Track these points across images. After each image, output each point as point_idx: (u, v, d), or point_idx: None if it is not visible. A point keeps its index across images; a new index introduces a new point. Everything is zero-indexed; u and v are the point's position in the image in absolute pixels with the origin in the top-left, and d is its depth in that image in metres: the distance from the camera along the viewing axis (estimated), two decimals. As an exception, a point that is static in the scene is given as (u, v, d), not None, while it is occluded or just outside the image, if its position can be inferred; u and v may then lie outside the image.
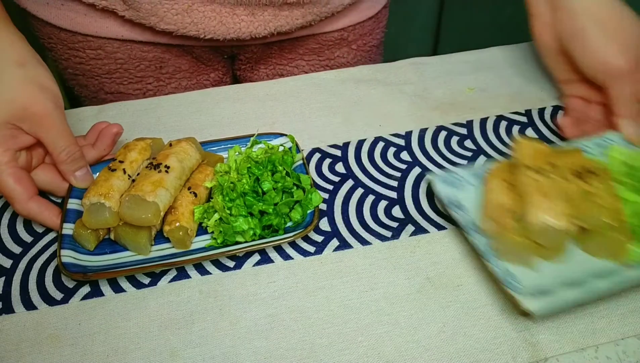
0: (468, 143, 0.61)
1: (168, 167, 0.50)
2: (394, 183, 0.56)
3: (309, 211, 0.51)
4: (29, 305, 0.47)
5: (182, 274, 0.49)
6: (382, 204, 0.54)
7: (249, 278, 0.49)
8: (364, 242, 0.51)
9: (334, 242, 0.51)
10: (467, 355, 0.43)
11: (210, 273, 0.49)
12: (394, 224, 0.53)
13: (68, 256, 0.47)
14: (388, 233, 0.52)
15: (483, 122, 0.63)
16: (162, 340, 0.45)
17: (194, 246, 0.50)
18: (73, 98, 0.82)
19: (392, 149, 0.60)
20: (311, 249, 0.51)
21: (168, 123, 0.63)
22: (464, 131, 0.62)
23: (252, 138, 0.57)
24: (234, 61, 0.80)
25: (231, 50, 0.76)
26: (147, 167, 0.51)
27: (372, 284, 0.48)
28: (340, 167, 0.58)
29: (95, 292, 0.48)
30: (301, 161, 0.55)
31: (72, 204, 0.51)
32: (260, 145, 0.56)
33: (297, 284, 0.48)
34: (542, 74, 0.69)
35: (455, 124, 0.63)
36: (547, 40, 0.61)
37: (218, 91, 0.68)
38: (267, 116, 0.64)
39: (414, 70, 0.70)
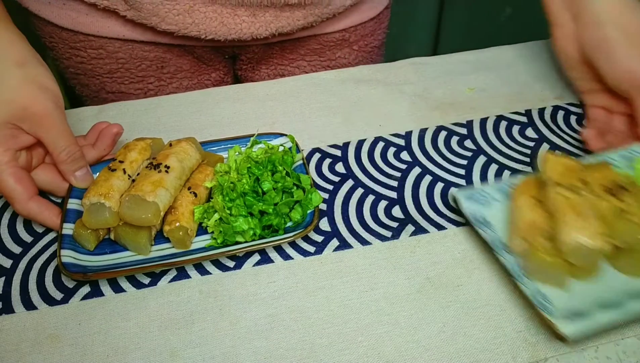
0: (468, 143, 0.61)
1: (168, 167, 0.50)
2: (394, 183, 0.56)
3: (309, 211, 0.51)
4: (29, 305, 0.47)
5: (182, 274, 0.49)
6: (382, 204, 0.54)
7: (249, 278, 0.49)
8: (364, 242, 0.51)
9: (334, 242, 0.51)
10: (467, 355, 0.43)
11: (210, 273, 0.49)
12: (394, 225, 0.53)
13: (68, 256, 0.47)
14: (388, 233, 0.52)
15: (483, 122, 0.63)
16: (162, 340, 0.45)
17: (194, 246, 0.50)
18: (74, 98, 0.82)
19: (392, 149, 0.60)
20: (311, 249, 0.51)
21: (168, 123, 0.63)
22: (464, 131, 0.62)
23: (252, 138, 0.57)
24: (235, 61, 0.80)
25: (232, 50, 0.76)
26: (147, 167, 0.51)
27: (372, 284, 0.48)
28: (340, 167, 0.58)
29: (95, 292, 0.48)
30: (301, 161, 0.55)
31: (72, 204, 0.51)
32: (260, 145, 0.56)
33: (297, 284, 0.48)
34: (542, 74, 0.69)
35: (455, 124, 0.63)
36: (569, 50, 0.59)
37: (218, 91, 0.68)
38: (267, 116, 0.64)
39: (414, 70, 0.70)
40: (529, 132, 0.62)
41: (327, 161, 0.59)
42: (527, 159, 0.59)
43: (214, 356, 0.44)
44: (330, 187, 0.56)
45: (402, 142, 0.61)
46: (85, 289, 0.48)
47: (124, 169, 0.50)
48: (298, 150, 0.56)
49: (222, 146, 0.57)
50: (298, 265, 0.50)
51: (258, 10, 0.65)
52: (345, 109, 0.65)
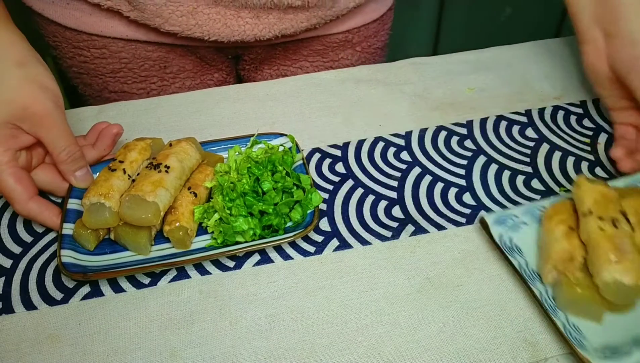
0: (468, 143, 0.61)
1: (168, 167, 0.50)
2: (394, 183, 0.56)
3: (309, 211, 0.51)
4: (29, 305, 0.47)
5: (182, 274, 0.49)
6: (382, 204, 0.54)
7: (249, 278, 0.49)
8: (364, 242, 0.51)
9: (334, 242, 0.51)
10: (467, 355, 0.43)
11: (210, 273, 0.49)
12: (394, 225, 0.53)
13: (68, 256, 0.47)
14: (388, 233, 0.52)
15: (483, 122, 0.63)
16: (162, 340, 0.45)
17: (194, 246, 0.50)
18: (75, 97, 0.82)
19: (392, 149, 0.60)
20: (311, 249, 0.51)
21: (168, 123, 0.63)
22: (464, 131, 0.62)
23: (252, 138, 0.57)
24: (238, 61, 0.80)
25: (235, 51, 0.76)
26: (147, 167, 0.51)
27: (372, 284, 0.48)
28: (340, 167, 0.58)
29: (95, 292, 0.48)
30: (301, 161, 0.55)
31: (72, 204, 0.51)
32: (260, 145, 0.56)
33: (297, 284, 0.48)
34: (542, 74, 0.69)
35: (455, 124, 0.63)
36: (599, 67, 0.58)
37: (218, 91, 0.68)
38: (267, 116, 0.64)
39: (414, 70, 0.70)
40: (529, 132, 0.62)
41: (327, 161, 0.59)
42: (527, 159, 0.59)
43: (214, 356, 0.44)
44: (330, 187, 0.56)
45: (402, 142, 0.61)
46: (85, 289, 0.48)
47: (124, 169, 0.50)
48: (298, 150, 0.56)
49: (222, 146, 0.57)
50: (298, 265, 0.50)
51: (261, 12, 0.65)
52: (345, 109, 0.65)
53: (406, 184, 0.56)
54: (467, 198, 0.55)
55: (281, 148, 0.56)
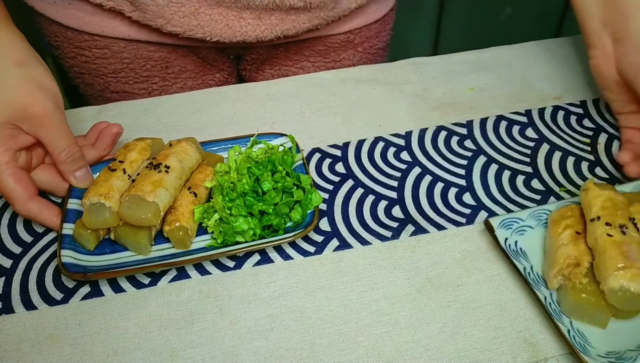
0: (468, 143, 0.61)
1: (168, 167, 0.50)
2: (394, 183, 0.56)
3: (309, 211, 0.51)
4: (29, 305, 0.47)
5: (182, 274, 0.49)
6: (382, 204, 0.54)
7: (249, 278, 0.49)
8: (364, 242, 0.51)
9: (334, 242, 0.51)
10: (467, 355, 0.43)
11: (210, 273, 0.49)
12: (394, 225, 0.53)
13: (68, 256, 0.47)
14: (388, 233, 0.52)
15: (483, 122, 0.63)
16: (162, 340, 0.45)
17: (194, 246, 0.50)
18: (76, 97, 0.82)
19: (392, 149, 0.60)
20: (311, 249, 0.51)
21: (168, 123, 0.63)
22: (464, 131, 0.62)
23: (252, 138, 0.57)
24: (239, 61, 0.80)
25: (237, 51, 0.76)
26: (147, 167, 0.51)
27: (372, 284, 0.48)
28: (340, 167, 0.58)
29: (95, 292, 0.48)
30: (301, 161, 0.55)
31: (72, 204, 0.51)
32: (260, 145, 0.56)
33: (297, 284, 0.48)
34: (542, 74, 0.69)
35: (455, 124, 0.63)
36: (607, 72, 0.58)
37: (218, 91, 0.68)
38: (267, 116, 0.64)
39: (414, 70, 0.70)
40: (529, 132, 0.62)
41: (327, 161, 0.59)
42: (527, 159, 0.59)
43: (214, 356, 0.44)
44: (330, 187, 0.56)
45: (402, 142, 0.61)
46: (85, 289, 0.48)
47: (124, 169, 0.50)
48: (298, 150, 0.56)
49: (222, 146, 0.57)
50: (298, 265, 0.50)
51: (263, 13, 0.65)
52: (345, 109, 0.65)
53: (406, 184, 0.56)
54: (467, 198, 0.55)
55: (281, 148, 0.56)
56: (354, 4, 0.71)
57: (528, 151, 0.60)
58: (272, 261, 0.50)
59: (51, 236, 0.52)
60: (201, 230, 0.51)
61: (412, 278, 0.48)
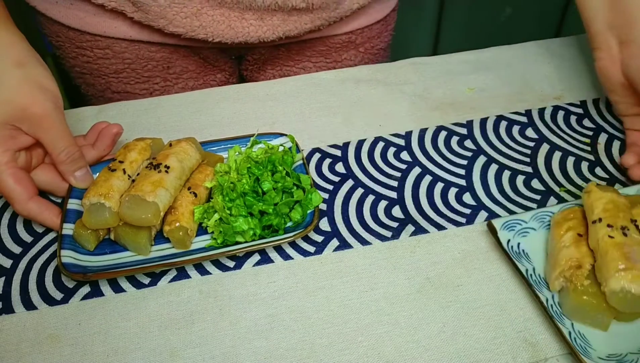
0: (468, 143, 0.61)
1: (168, 167, 0.50)
2: (394, 183, 0.56)
3: (309, 211, 0.51)
4: (29, 305, 0.47)
5: (182, 274, 0.49)
6: (382, 204, 0.54)
7: (249, 278, 0.49)
8: (364, 242, 0.51)
9: (334, 242, 0.51)
10: (467, 355, 0.43)
11: (210, 273, 0.49)
12: (394, 224, 0.53)
13: (68, 256, 0.47)
14: (388, 233, 0.52)
15: (483, 122, 0.63)
16: (162, 340, 0.45)
17: (193, 247, 0.50)
18: (77, 97, 0.82)
19: (392, 149, 0.60)
20: (311, 249, 0.51)
21: (168, 123, 0.63)
22: (464, 131, 0.62)
23: (252, 138, 0.57)
24: (240, 61, 0.80)
25: (238, 51, 0.76)
26: (147, 167, 0.51)
27: (372, 284, 0.48)
28: (340, 167, 0.58)
29: (95, 292, 0.48)
30: (301, 161, 0.55)
31: (72, 204, 0.51)
32: (260, 145, 0.56)
33: (297, 284, 0.48)
34: (542, 74, 0.69)
35: (455, 124, 0.63)
36: (612, 74, 0.58)
37: (218, 91, 0.68)
38: (267, 116, 0.64)
39: (414, 70, 0.70)
40: (529, 132, 0.62)
41: (327, 161, 0.59)
42: (527, 159, 0.59)
43: (214, 356, 0.44)
44: (330, 187, 0.56)
45: (402, 142, 0.61)
46: (85, 289, 0.48)
47: (123, 170, 0.50)
48: (298, 150, 0.56)
49: (222, 146, 0.57)
50: (298, 265, 0.50)
51: (265, 14, 0.65)
52: (345, 109, 0.65)
53: (406, 184, 0.56)
54: (467, 198, 0.55)
55: (281, 148, 0.56)
56: (356, 4, 0.71)
57: (528, 151, 0.60)
58: (272, 261, 0.50)
59: (51, 236, 0.52)
60: (201, 230, 0.51)
61: (412, 278, 0.48)
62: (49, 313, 0.46)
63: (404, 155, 0.59)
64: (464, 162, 0.59)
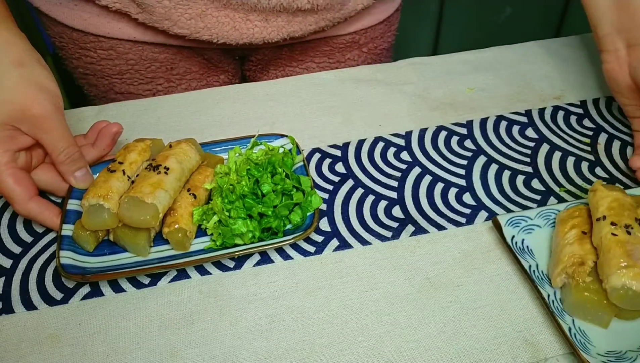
0: (468, 143, 0.61)
1: (167, 168, 0.50)
2: (394, 183, 0.56)
3: (308, 214, 0.51)
4: (29, 305, 0.47)
5: (182, 274, 0.49)
6: (382, 204, 0.54)
7: (249, 278, 0.49)
8: (364, 242, 0.51)
9: (334, 242, 0.51)
10: (467, 355, 0.43)
11: (210, 273, 0.49)
12: (394, 225, 0.53)
13: (67, 257, 0.47)
14: (388, 233, 0.52)
15: (483, 122, 0.63)
16: (162, 340, 0.45)
17: (193, 248, 0.50)
18: (80, 98, 0.82)
19: (392, 149, 0.60)
20: (311, 249, 0.51)
21: (168, 123, 0.63)
22: (464, 131, 0.62)
23: (252, 139, 0.57)
24: (244, 62, 0.80)
25: (242, 52, 0.76)
26: (146, 168, 0.51)
27: (372, 284, 0.48)
28: (340, 167, 0.58)
29: (95, 292, 0.48)
30: (301, 163, 0.55)
31: (72, 205, 0.51)
32: (260, 146, 0.56)
33: (297, 284, 0.48)
34: (542, 74, 0.69)
35: (455, 124, 0.63)
36: (619, 76, 0.58)
37: (218, 91, 0.68)
38: (267, 116, 0.64)
39: (414, 70, 0.70)
40: (529, 132, 0.62)
41: (327, 161, 0.59)
42: (527, 159, 0.59)
43: (214, 356, 0.44)
44: (330, 187, 0.56)
45: (402, 142, 0.61)
46: (85, 289, 0.48)
47: (123, 171, 0.50)
48: (298, 151, 0.56)
49: (223, 147, 0.57)
50: (298, 265, 0.50)
51: (270, 15, 0.65)
52: (345, 109, 0.65)
53: (406, 184, 0.56)
54: (467, 198, 0.55)
55: (281, 150, 0.56)
56: (360, 5, 0.71)
57: (528, 151, 0.60)
58: (272, 261, 0.50)
59: (51, 236, 0.52)
60: (200, 231, 0.51)
61: (412, 278, 0.48)
62: (49, 313, 0.46)
63: (404, 155, 0.59)
64: (464, 162, 0.59)
